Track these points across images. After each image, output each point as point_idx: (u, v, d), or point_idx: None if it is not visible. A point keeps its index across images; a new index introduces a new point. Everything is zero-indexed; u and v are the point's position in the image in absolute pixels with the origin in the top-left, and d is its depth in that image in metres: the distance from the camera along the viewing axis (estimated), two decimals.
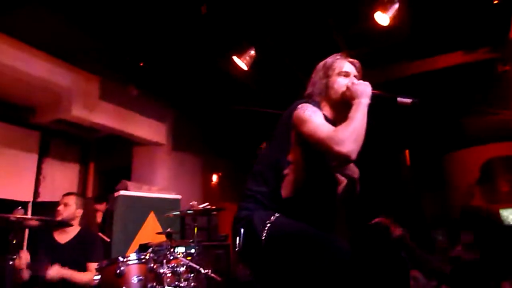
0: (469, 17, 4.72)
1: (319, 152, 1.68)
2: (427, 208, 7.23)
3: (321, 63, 1.97)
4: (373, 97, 1.74)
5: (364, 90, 1.74)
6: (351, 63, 1.93)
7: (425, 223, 6.66)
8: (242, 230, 1.64)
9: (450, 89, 5.12)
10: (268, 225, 1.57)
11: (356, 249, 1.56)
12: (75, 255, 3.20)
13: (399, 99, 1.76)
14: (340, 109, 1.83)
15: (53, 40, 4.62)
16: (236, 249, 1.64)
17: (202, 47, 4.96)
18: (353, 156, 1.55)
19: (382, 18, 4.04)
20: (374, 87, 1.81)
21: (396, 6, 4.03)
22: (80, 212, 3.45)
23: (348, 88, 1.81)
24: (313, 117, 1.67)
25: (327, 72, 1.90)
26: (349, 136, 1.56)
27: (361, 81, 1.81)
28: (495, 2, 4.51)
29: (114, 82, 5.50)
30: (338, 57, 1.94)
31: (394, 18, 4.06)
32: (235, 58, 4.64)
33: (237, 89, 6.12)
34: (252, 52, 4.60)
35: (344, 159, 1.57)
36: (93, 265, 3.07)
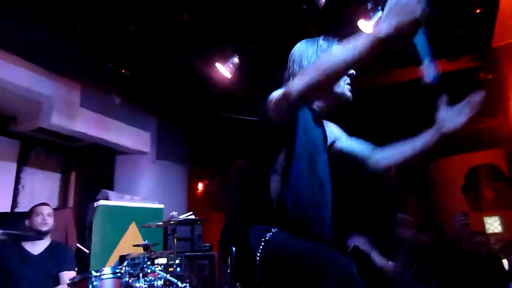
0: (452, 26, 4.77)
1: (302, 148, 1.52)
2: (412, 215, 7.24)
3: (300, 52, 1.72)
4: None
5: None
6: None
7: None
8: (234, 249, 1.47)
9: (433, 98, 5.15)
10: (263, 243, 1.40)
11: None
12: (48, 266, 3.16)
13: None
14: (332, 102, 1.72)
15: (32, 46, 4.52)
16: (228, 271, 1.47)
17: (186, 53, 4.92)
18: (315, 86, 1.31)
19: (365, 26, 4.05)
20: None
21: (379, 13, 4.04)
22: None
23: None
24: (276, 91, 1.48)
25: None
26: (323, 61, 1.35)
27: None
28: (478, 11, 4.56)
29: (95, 90, 5.40)
30: (323, 40, 1.71)
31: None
32: (218, 65, 4.60)
33: (222, 96, 6.08)
34: (236, 60, 4.56)
35: (292, 96, 1.34)
36: (66, 275, 3.04)
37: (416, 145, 1.66)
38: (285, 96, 1.41)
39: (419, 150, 1.65)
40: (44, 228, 3.23)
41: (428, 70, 1.31)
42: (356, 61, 1.25)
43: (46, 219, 3.24)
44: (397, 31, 1.17)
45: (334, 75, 1.34)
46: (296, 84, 1.36)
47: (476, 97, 1.53)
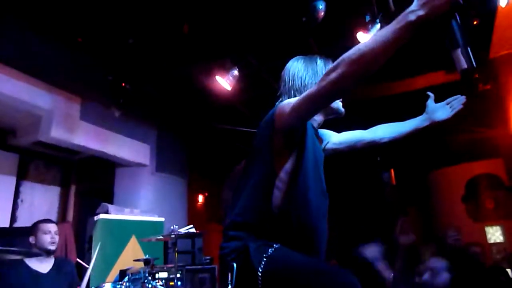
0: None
1: (310, 158, 1.52)
2: (412, 225, 7.21)
3: (299, 67, 1.73)
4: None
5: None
6: None
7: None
8: (235, 265, 1.43)
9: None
10: (265, 259, 1.38)
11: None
12: (59, 284, 3.06)
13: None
14: (327, 116, 1.76)
15: (32, 59, 4.53)
16: (229, 287, 1.42)
17: (185, 66, 4.92)
18: (350, 79, 1.26)
19: (364, 38, 4.07)
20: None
21: (378, 26, 4.07)
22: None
23: None
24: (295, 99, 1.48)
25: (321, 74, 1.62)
26: (350, 54, 1.25)
27: None
28: (475, 23, 4.59)
29: (95, 103, 5.40)
30: (320, 59, 1.74)
31: None
32: (218, 78, 4.61)
33: (222, 108, 6.08)
34: (235, 72, 4.57)
35: (339, 86, 1.29)
36: None
37: (408, 126, 1.90)
38: (336, 78, 1.29)
39: (410, 130, 1.89)
40: (53, 248, 3.09)
41: (463, 57, 1.24)
42: (390, 46, 1.20)
43: (54, 238, 3.10)
44: (431, 12, 1.15)
45: (380, 57, 1.23)
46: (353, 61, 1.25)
47: (460, 98, 1.86)
